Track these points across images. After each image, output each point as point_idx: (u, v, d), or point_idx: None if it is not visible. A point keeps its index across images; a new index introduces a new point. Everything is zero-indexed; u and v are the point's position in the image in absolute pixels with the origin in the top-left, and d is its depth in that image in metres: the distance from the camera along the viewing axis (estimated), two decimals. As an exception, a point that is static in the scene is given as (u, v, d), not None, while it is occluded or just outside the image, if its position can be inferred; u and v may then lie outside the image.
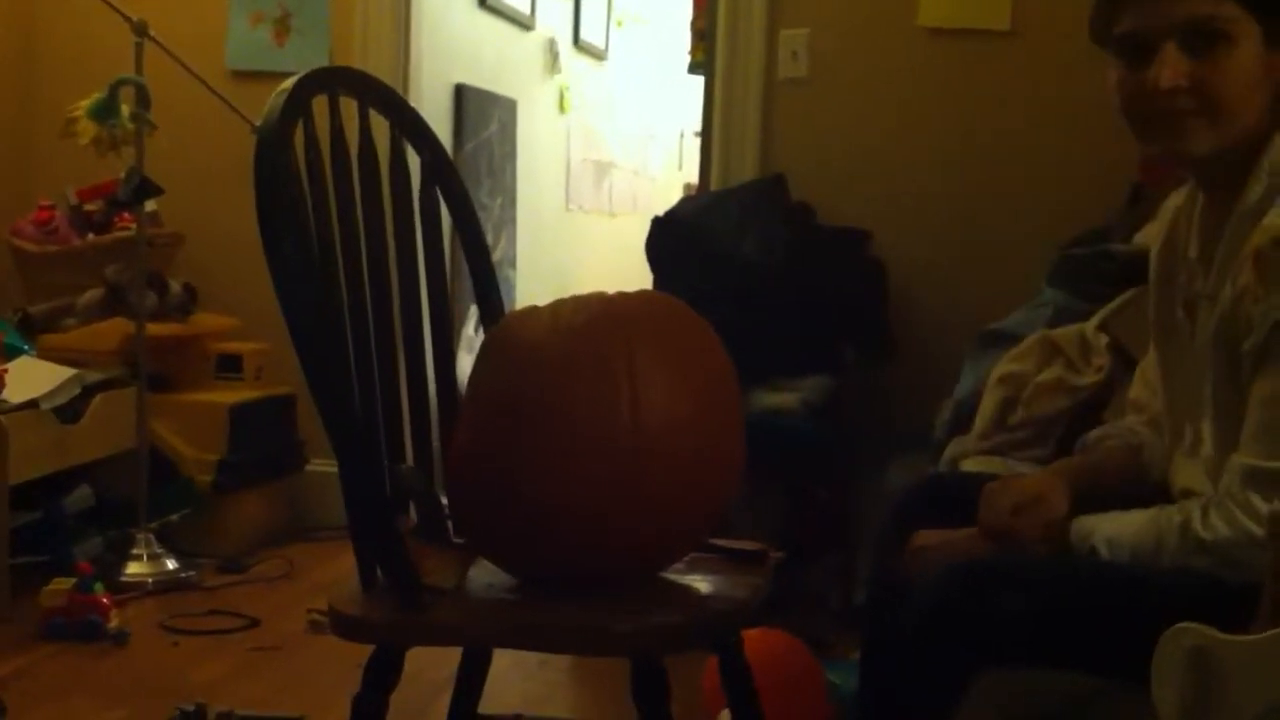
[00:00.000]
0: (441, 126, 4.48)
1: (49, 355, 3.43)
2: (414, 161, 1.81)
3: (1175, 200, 1.69)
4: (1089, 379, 2.58)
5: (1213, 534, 1.43)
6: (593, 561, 1.56)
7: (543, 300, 1.67)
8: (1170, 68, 1.49)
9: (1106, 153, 1.59)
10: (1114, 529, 1.50)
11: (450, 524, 1.67)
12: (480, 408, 1.61)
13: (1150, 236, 1.75)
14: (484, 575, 1.64)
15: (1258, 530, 1.40)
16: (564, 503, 1.52)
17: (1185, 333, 1.60)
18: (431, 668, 1.95)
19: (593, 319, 1.58)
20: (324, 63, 3.78)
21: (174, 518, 3.49)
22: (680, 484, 1.54)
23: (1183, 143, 1.53)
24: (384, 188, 1.76)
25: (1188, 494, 1.56)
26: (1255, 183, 1.48)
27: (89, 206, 3.76)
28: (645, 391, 1.52)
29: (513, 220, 5.23)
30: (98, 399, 3.35)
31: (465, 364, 1.69)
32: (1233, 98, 1.50)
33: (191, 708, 2.45)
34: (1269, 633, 1.15)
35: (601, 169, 6.59)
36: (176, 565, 3.36)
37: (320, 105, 1.65)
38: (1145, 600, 1.42)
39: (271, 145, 1.53)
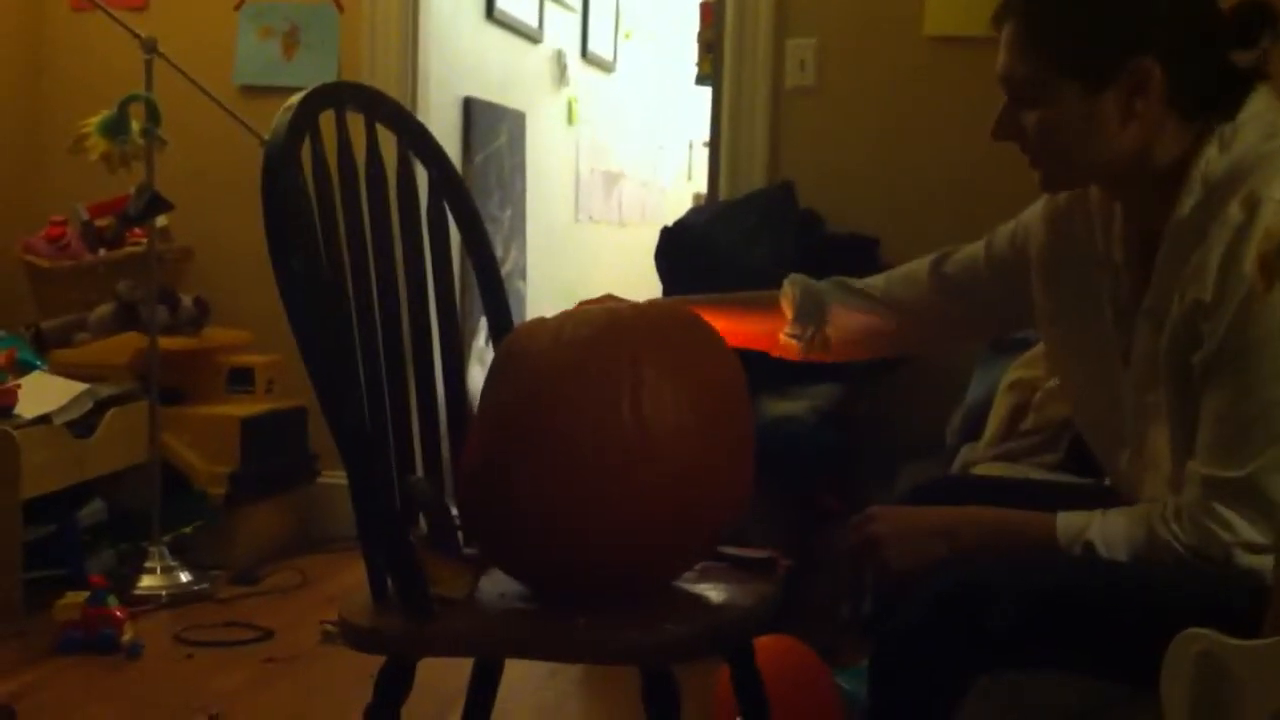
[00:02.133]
0: (450, 139, 4.49)
1: (62, 370, 3.45)
2: (422, 175, 1.82)
3: (1053, 207, 1.71)
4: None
5: (1188, 540, 1.44)
6: (599, 570, 1.56)
7: (553, 311, 1.67)
8: (997, 119, 1.59)
9: (1036, 181, 1.63)
10: (1105, 526, 1.50)
11: (461, 534, 1.68)
12: (487, 418, 1.62)
13: (1000, 245, 1.78)
14: (495, 585, 1.65)
15: (1229, 537, 1.42)
16: (567, 511, 1.52)
17: (1113, 344, 1.61)
18: (443, 679, 1.95)
19: (597, 330, 1.59)
20: (332, 77, 3.81)
21: (187, 530, 3.51)
22: (687, 493, 1.54)
23: (1041, 184, 1.62)
24: (392, 202, 1.77)
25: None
26: (1187, 195, 1.50)
27: (100, 222, 3.78)
28: (649, 402, 1.52)
29: (522, 232, 5.24)
30: (110, 413, 3.36)
31: (477, 376, 1.70)
32: (1053, 151, 1.55)
33: (206, 720, 2.46)
34: (1279, 638, 1.15)
35: (610, 180, 6.60)
36: (190, 578, 3.37)
37: (328, 120, 1.65)
38: (1145, 603, 1.42)
39: (279, 161, 1.54)
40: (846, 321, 1.88)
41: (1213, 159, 1.49)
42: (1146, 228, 1.57)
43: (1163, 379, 1.51)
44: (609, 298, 1.83)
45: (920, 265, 1.86)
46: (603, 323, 1.60)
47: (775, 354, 1.93)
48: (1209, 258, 1.44)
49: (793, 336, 1.89)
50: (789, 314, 1.89)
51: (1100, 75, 1.49)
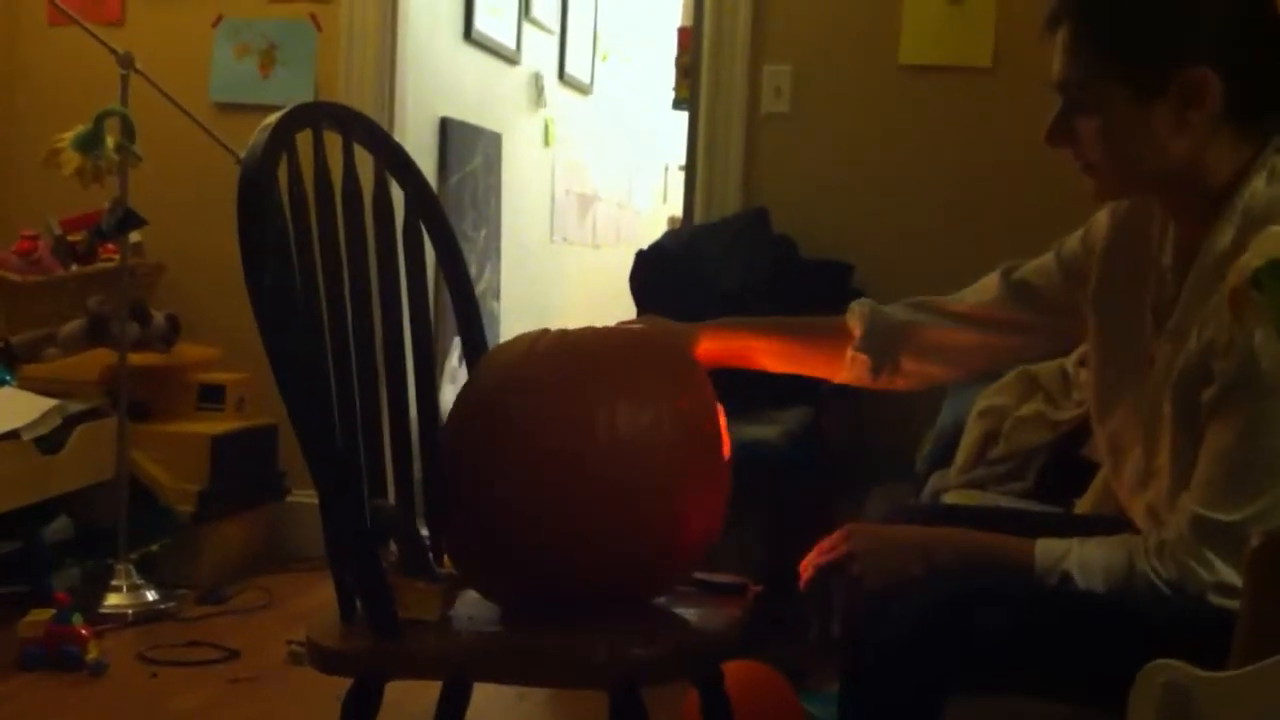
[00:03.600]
0: (426, 159, 4.49)
1: (30, 385, 3.43)
2: (398, 196, 1.82)
3: (1120, 206, 1.69)
4: (1068, 413, 2.60)
5: (1168, 576, 1.45)
6: (565, 586, 1.57)
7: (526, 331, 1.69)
8: (1051, 124, 1.57)
9: (1088, 189, 1.61)
10: (1084, 555, 1.50)
11: (432, 556, 1.68)
12: (453, 431, 1.64)
13: (1071, 245, 1.76)
14: (466, 608, 1.64)
15: (1210, 578, 1.42)
16: (530, 527, 1.54)
17: (1147, 348, 1.60)
18: (410, 700, 1.94)
19: (564, 350, 1.61)
20: (309, 96, 3.81)
21: (154, 548, 3.48)
22: (653, 513, 1.55)
23: (1092, 191, 1.60)
24: (368, 221, 1.77)
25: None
26: (1226, 224, 1.49)
27: (73, 237, 3.76)
28: (615, 420, 1.53)
29: (497, 252, 5.24)
30: (79, 429, 3.34)
31: (449, 395, 1.70)
32: (1104, 159, 1.54)
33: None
34: (1245, 669, 1.16)
35: (586, 202, 6.61)
36: (156, 596, 3.35)
37: (304, 139, 1.65)
38: (1122, 630, 1.43)
39: (255, 180, 1.54)
40: (925, 339, 1.84)
41: (1258, 191, 1.48)
42: (1187, 240, 1.56)
43: (1170, 406, 1.51)
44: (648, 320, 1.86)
45: (989, 277, 1.83)
46: (573, 338, 1.62)
47: (839, 380, 1.89)
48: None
49: (863, 354, 1.84)
50: (857, 332, 1.84)
51: (1153, 83, 1.47)
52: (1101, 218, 1.72)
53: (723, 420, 1.67)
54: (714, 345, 1.84)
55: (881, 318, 1.85)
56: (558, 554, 1.55)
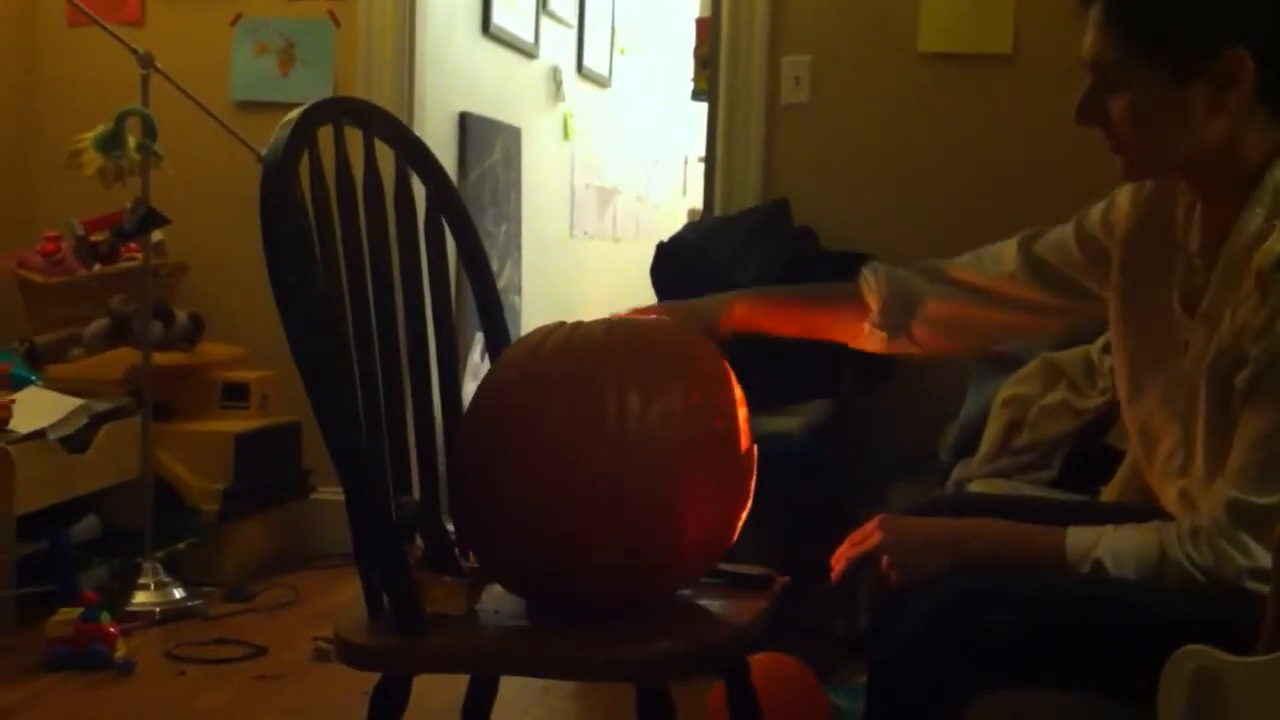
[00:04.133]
0: (445, 155, 4.50)
1: (55, 385, 3.45)
2: (419, 190, 1.82)
3: (1142, 188, 1.67)
4: (1093, 401, 2.59)
5: (1202, 561, 1.44)
6: (572, 582, 1.57)
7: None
8: (1081, 101, 1.54)
9: (1108, 175, 1.60)
10: (1115, 543, 1.49)
11: (457, 551, 1.68)
12: (469, 427, 1.65)
13: (1092, 221, 1.74)
14: (492, 602, 1.64)
15: (1246, 563, 1.41)
16: (535, 524, 1.54)
17: (1178, 332, 1.59)
18: (437, 695, 1.95)
19: (575, 341, 1.61)
20: (328, 93, 3.81)
21: (180, 546, 3.49)
22: (670, 507, 1.55)
23: (1121, 171, 1.59)
24: (389, 217, 1.77)
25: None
26: (1258, 206, 1.48)
27: (95, 237, 3.78)
28: (632, 415, 1.53)
29: (518, 247, 5.25)
30: (104, 429, 3.36)
31: (471, 391, 1.70)
32: (1137, 139, 1.52)
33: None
34: (1274, 654, 1.15)
35: (605, 195, 6.61)
36: (182, 594, 3.36)
37: (325, 135, 1.66)
38: (1146, 619, 1.42)
39: (277, 176, 1.54)
40: (937, 313, 1.84)
41: None
42: (1216, 223, 1.55)
43: (1204, 390, 1.50)
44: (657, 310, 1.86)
45: (1006, 248, 1.81)
46: (579, 338, 1.62)
47: (855, 346, 1.90)
48: None
49: (880, 329, 1.85)
50: (874, 305, 1.85)
51: (1190, 64, 1.46)
52: (1123, 197, 1.70)
53: (744, 413, 1.66)
54: (738, 314, 1.85)
55: (897, 289, 1.85)
56: (560, 551, 1.55)
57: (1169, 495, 1.61)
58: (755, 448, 1.69)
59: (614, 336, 1.62)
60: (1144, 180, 1.64)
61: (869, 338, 1.87)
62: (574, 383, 1.57)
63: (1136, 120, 1.51)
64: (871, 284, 1.86)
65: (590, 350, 1.60)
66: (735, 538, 1.69)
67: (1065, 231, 1.77)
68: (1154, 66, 1.48)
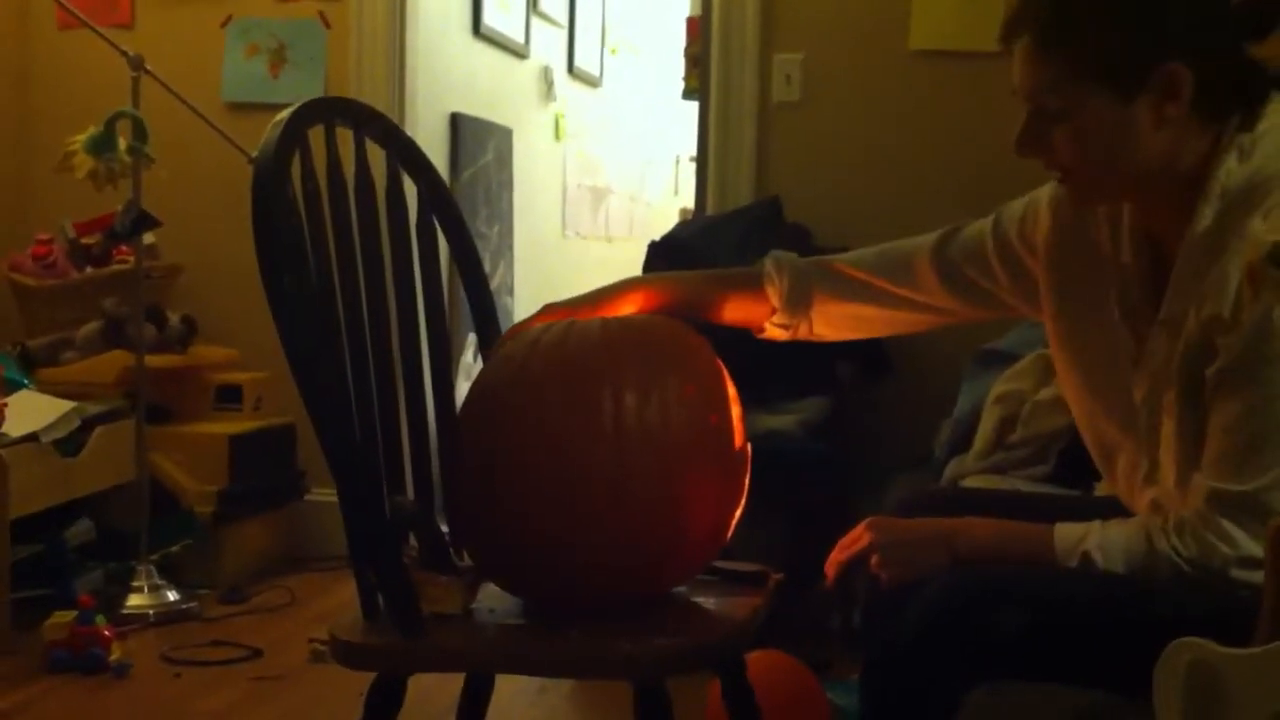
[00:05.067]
0: (437, 155, 4.50)
1: (48, 389, 3.44)
2: (411, 191, 1.82)
3: (1056, 203, 1.67)
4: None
5: (1188, 553, 1.44)
6: (578, 580, 1.57)
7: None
8: (1021, 134, 1.55)
9: (1061, 195, 1.62)
10: (1103, 537, 1.50)
11: (452, 551, 1.68)
12: (467, 424, 1.65)
13: (1008, 231, 1.74)
14: (488, 601, 1.65)
15: (1231, 552, 1.42)
16: (528, 522, 1.54)
17: (1121, 344, 1.59)
18: (433, 695, 1.95)
19: (578, 335, 1.61)
20: (319, 94, 3.81)
21: (175, 549, 3.49)
22: (668, 504, 1.55)
23: (1068, 197, 1.60)
24: (381, 217, 1.77)
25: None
26: (1206, 206, 1.48)
27: (87, 240, 3.78)
28: (629, 411, 1.53)
29: (510, 247, 5.25)
30: (98, 432, 3.35)
31: (464, 391, 1.70)
32: (1085, 163, 1.52)
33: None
34: (1269, 646, 1.16)
35: (598, 195, 6.61)
36: (178, 596, 3.36)
37: (317, 136, 1.65)
38: (1143, 614, 1.43)
39: (269, 177, 1.54)
40: (833, 311, 1.85)
41: (1232, 169, 1.47)
42: (1156, 230, 1.56)
43: (1175, 389, 1.50)
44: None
45: (921, 247, 1.80)
46: (581, 333, 1.62)
47: (759, 336, 1.90)
48: (1228, 271, 1.43)
49: (780, 325, 1.87)
50: (773, 297, 1.85)
51: (1132, 82, 1.47)
52: (1040, 210, 1.70)
53: (737, 410, 1.67)
54: (641, 300, 1.82)
55: (795, 282, 1.84)
56: (556, 549, 1.55)
57: (1140, 506, 1.61)
58: (749, 445, 1.69)
59: (610, 333, 1.63)
60: (1094, 205, 1.62)
61: (771, 328, 1.88)
62: (570, 380, 1.57)
63: (1084, 145, 1.51)
64: (773, 275, 1.86)
65: (586, 346, 1.60)
66: (730, 535, 1.69)
67: (982, 233, 1.76)
68: (1098, 89, 1.48)
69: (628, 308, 1.81)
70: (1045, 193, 1.71)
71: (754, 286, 1.87)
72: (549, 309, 1.78)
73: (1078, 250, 1.65)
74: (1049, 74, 1.50)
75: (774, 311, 1.86)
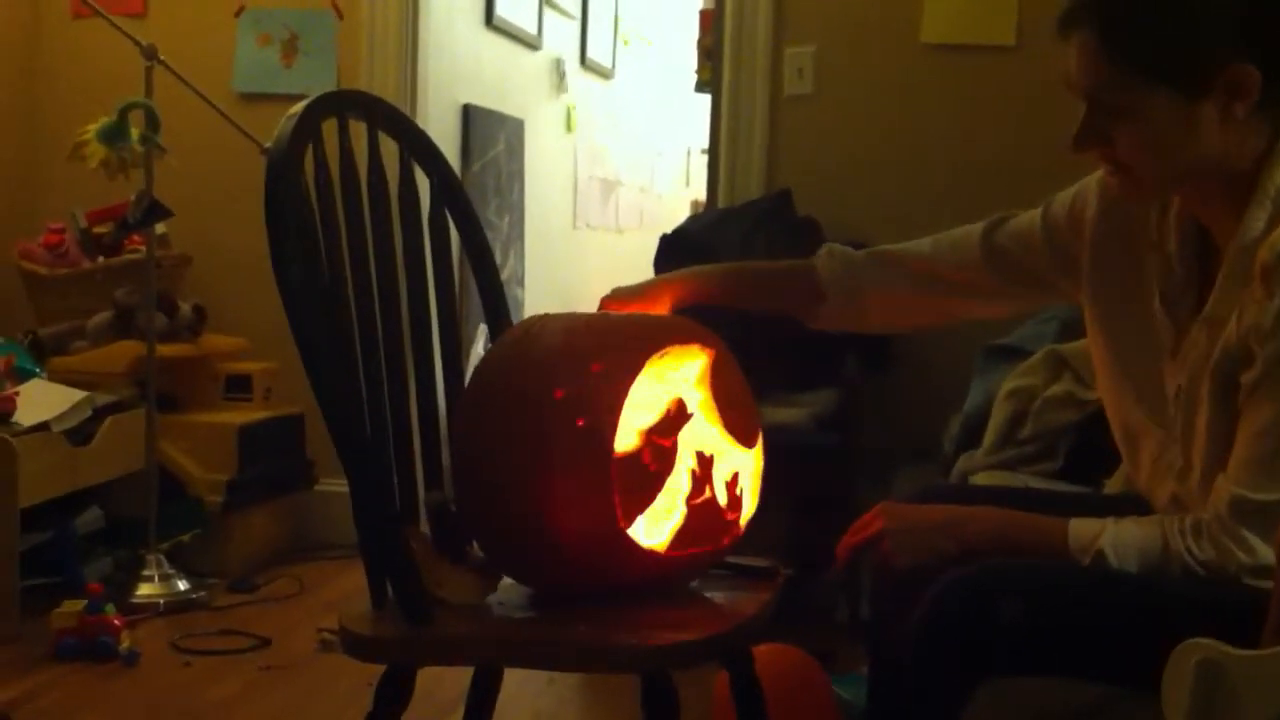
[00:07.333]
0: (449, 146, 4.50)
1: (59, 378, 3.45)
2: (423, 182, 1.82)
3: (1106, 189, 1.66)
4: (1097, 393, 2.58)
5: (1204, 556, 1.44)
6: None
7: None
8: (1080, 130, 1.53)
9: (1111, 188, 1.61)
10: (1118, 535, 1.50)
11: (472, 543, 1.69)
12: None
13: (1057, 215, 1.74)
14: (497, 593, 1.65)
15: (1247, 559, 1.42)
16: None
17: (1162, 335, 1.59)
18: (442, 686, 1.95)
19: (581, 327, 1.61)
20: (331, 84, 3.81)
21: (184, 538, 3.50)
22: (532, 504, 1.54)
23: (1119, 191, 1.58)
24: (393, 209, 1.77)
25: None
26: (1258, 209, 1.47)
27: (98, 229, 3.78)
28: (528, 412, 1.53)
29: (521, 238, 5.25)
30: (108, 421, 3.36)
31: (474, 382, 1.71)
32: (1142, 162, 1.51)
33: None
34: (1278, 647, 1.16)
35: (608, 187, 6.60)
36: (187, 585, 3.37)
37: (330, 128, 1.66)
38: (1150, 610, 1.42)
39: (283, 169, 1.54)
40: (885, 302, 1.87)
41: None
42: (1204, 221, 1.55)
43: (1208, 391, 1.50)
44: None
45: (971, 234, 1.81)
46: (585, 320, 1.63)
47: (812, 327, 1.92)
48: None
49: (832, 311, 1.88)
50: (826, 289, 1.87)
51: (1200, 82, 1.45)
52: (1089, 193, 1.70)
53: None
54: (692, 290, 1.84)
55: (848, 273, 1.86)
56: (520, 540, 1.56)
57: (1159, 497, 1.61)
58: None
59: (573, 335, 1.61)
60: (1149, 202, 1.61)
61: (823, 319, 1.90)
62: (510, 374, 1.58)
63: (1149, 144, 1.49)
64: (825, 267, 1.88)
65: (540, 345, 1.60)
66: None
67: (1032, 219, 1.77)
68: (1163, 90, 1.46)
69: (677, 297, 1.82)
70: (1095, 176, 1.69)
71: (807, 277, 1.88)
72: (616, 294, 1.81)
73: (1123, 233, 1.64)
74: (1113, 72, 1.48)
75: (825, 301, 1.87)
